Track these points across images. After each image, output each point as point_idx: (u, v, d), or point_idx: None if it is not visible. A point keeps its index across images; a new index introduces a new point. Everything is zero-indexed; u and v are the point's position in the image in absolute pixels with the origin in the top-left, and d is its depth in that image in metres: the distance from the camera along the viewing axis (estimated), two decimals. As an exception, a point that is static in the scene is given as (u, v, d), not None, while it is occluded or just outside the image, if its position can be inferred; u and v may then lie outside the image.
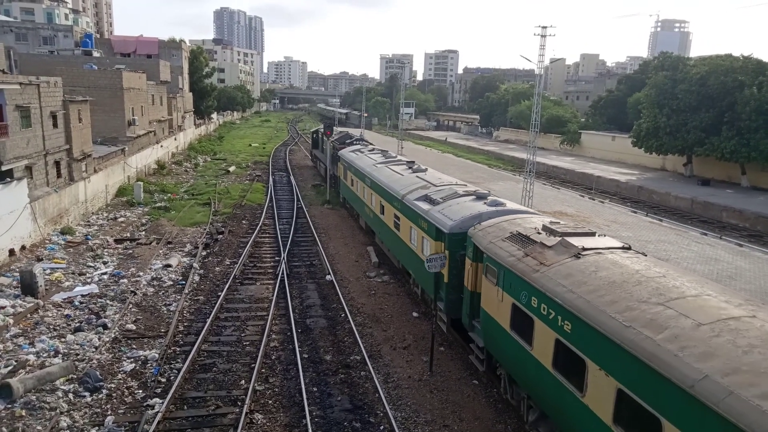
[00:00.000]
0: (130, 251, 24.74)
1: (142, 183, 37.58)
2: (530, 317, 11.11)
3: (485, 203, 16.49)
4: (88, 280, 20.78)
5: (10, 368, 13.93)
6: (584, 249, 11.17)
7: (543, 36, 33.86)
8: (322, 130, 46.36)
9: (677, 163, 55.31)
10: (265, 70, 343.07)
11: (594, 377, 9.12)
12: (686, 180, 51.16)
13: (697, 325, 7.92)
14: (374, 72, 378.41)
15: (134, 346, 15.89)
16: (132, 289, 20.00)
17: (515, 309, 11.79)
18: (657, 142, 50.81)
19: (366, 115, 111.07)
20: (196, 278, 21.91)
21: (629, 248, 11.66)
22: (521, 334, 11.53)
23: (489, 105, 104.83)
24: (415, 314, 19.05)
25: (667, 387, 7.44)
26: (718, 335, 7.58)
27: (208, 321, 17.37)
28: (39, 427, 11.88)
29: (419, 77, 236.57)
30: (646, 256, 11.39)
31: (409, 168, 24.37)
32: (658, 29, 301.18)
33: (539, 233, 12.65)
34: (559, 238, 11.86)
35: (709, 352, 7.30)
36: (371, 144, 37.89)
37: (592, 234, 12.55)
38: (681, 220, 36.78)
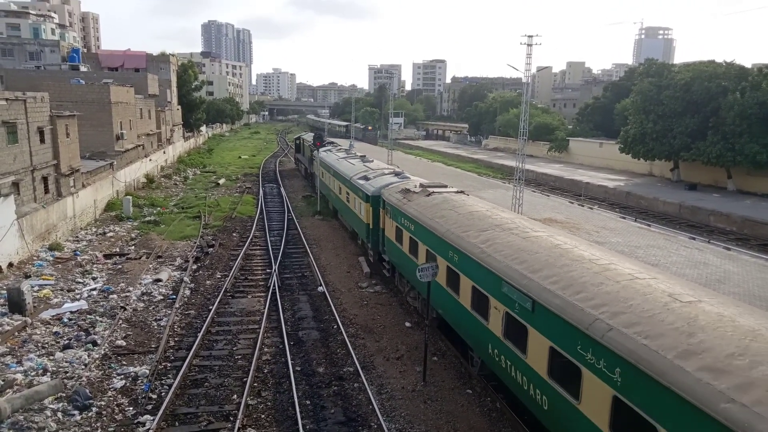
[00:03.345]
0: (120, 266, 24.53)
1: (131, 197, 37.36)
2: (401, 229, 19.67)
3: (397, 177, 24.75)
4: (77, 297, 20.55)
5: (-3, 388, 13.71)
6: (433, 192, 19.25)
7: (529, 45, 34.17)
8: (303, 137, 56.30)
9: (664, 168, 55.82)
10: (253, 82, 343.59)
11: (422, 250, 17.50)
12: (673, 185, 51.62)
13: (459, 215, 15.99)
14: (363, 82, 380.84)
15: (124, 363, 15.72)
16: (122, 304, 19.81)
17: (396, 228, 20.29)
18: (644, 147, 51.28)
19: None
20: (187, 292, 21.76)
21: (462, 192, 19.96)
22: (399, 241, 20.13)
23: (477, 114, 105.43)
24: (407, 324, 19.02)
25: (443, 243, 15.53)
26: (467, 219, 15.55)
27: (200, 335, 17.25)
28: (27, 448, 11.69)
29: (408, 87, 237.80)
30: (468, 195, 19.55)
31: (361, 160, 32.37)
32: (643, 37, 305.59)
33: (415, 187, 20.68)
34: (422, 188, 20.08)
35: (459, 224, 15.36)
36: (340, 145, 44.40)
37: (444, 186, 20.88)
38: (669, 225, 37.10)
